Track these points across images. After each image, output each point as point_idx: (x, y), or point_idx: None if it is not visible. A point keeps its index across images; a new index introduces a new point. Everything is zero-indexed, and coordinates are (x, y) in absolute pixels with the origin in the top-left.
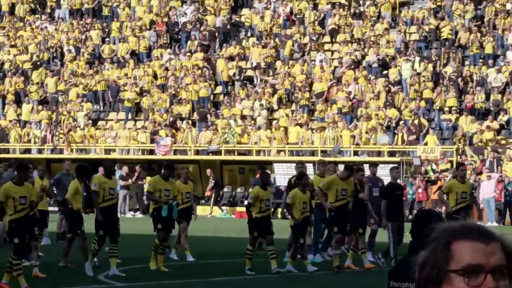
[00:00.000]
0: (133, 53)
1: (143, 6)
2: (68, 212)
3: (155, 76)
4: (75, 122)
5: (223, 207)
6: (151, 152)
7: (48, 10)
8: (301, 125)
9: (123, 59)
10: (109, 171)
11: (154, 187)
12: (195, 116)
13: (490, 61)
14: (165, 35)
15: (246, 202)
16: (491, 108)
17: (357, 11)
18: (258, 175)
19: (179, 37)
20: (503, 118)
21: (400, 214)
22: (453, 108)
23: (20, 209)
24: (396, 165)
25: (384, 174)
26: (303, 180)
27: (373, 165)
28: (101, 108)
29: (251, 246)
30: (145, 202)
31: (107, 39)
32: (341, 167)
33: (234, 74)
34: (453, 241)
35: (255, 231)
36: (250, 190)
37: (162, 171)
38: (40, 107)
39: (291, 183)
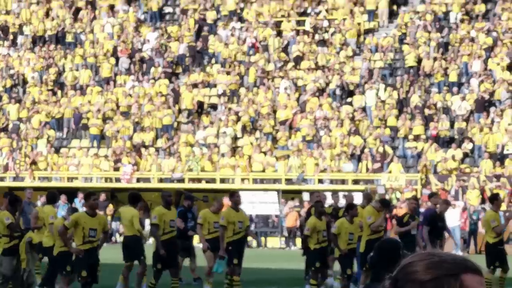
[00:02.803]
0: (105, 80)
1: (106, 32)
2: (126, 239)
3: (118, 103)
4: (37, 150)
5: None
6: (114, 180)
7: (11, 37)
8: (265, 153)
9: (86, 86)
10: (167, 201)
11: (227, 219)
12: (159, 143)
13: (455, 89)
14: (138, 62)
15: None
16: (456, 136)
17: (321, 38)
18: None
19: (143, 64)
20: (467, 146)
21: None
22: (421, 136)
23: (88, 241)
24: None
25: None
26: (353, 211)
27: (435, 195)
28: (64, 136)
29: (314, 279)
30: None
31: (70, 66)
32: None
33: (195, 105)
34: (462, 275)
35: (316, 262)
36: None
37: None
38: (1, 135)
39: (310, 214)
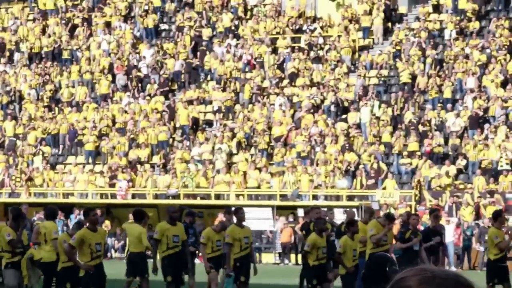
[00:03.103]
0: (102, 97)
1: (102, 49)
2: (132, 255)
3: (114, 120)
4: (33, 166)
5: None
6: (110, 196)
7: (7, 54)
8: (260, 169)
9: (82, 102)
10: (171, 217)
11: (233, 237)
12: (154, 160)
13: (449, 106)
14: (134, 79)
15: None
16: (450, 153)
17: (316, 55)
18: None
19: (140, 81)
20: (461, 162)
21: (435, 263)
22: (417, 153)
23: (96, 256)
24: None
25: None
26: (353, 227)
27: (435, 211)
28: (60, 152)
29: None
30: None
31: (66, 82)
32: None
33: (190, 121)
34: None
35: (314, 279)
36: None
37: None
38: None
39: (309, 229)
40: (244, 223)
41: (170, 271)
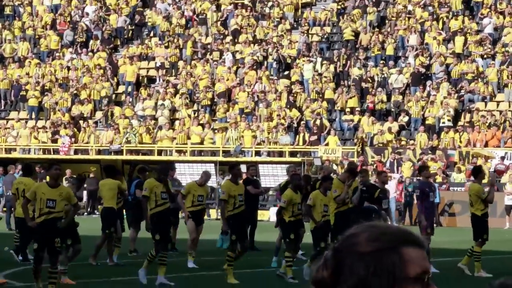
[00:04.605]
0: (44, 53)
1: (45, 5)
2: (103, 210)
3: (56, 75)
4: None
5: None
6: (53, 151)
7: None
8: (203, 125)
9: (24, 58)
10: (164, 174)
11: (228, 193)
12: (97, 115)
13: (391, 63)
14: (81, 33)
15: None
16: (392, 109)
17: (260, 11)
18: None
19: (83, 37)
20: (403, 119)
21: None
22: (357, 109)
23: (45, 213)
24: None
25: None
26: (326, 183)
27: (425, 168)
28: (2, 107)
29: (288, 252)
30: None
31: (9, 38)
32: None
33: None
34: (402, 248)
35: (290, 233)
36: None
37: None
38: None
39: (283, 187)
40: (239, 179)
41: (159, 228)
